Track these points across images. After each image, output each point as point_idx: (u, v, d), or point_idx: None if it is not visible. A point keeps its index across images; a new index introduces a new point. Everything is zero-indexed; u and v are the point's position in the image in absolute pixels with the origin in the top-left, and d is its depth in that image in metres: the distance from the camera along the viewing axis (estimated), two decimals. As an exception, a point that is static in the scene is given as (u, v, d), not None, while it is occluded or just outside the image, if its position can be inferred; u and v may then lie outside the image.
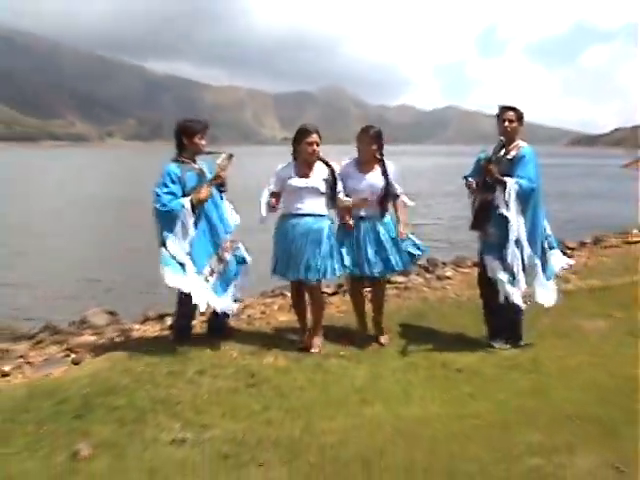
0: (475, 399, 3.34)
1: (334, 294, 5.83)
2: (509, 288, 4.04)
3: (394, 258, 4.18)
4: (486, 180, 4.05)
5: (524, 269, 4.05)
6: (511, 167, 4.02)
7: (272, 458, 2.68)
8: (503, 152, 4.08)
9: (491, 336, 4.26)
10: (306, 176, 4.07)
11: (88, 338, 4.92)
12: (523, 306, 4.11)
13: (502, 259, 4.06)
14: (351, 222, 4.17)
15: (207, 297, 4.03)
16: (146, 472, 2.58)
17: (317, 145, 4.06)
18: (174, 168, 4.03)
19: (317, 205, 4.06)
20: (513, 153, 4.06)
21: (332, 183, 4.09)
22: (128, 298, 7.73)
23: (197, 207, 4.00)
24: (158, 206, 3.93)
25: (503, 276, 4.06)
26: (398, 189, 4.26)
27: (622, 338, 4.36)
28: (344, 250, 4.17)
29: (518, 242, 4.00)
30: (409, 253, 4.28)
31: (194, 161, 4.15)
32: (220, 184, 4.21)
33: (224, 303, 4.18)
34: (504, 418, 3.05)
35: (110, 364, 3.83)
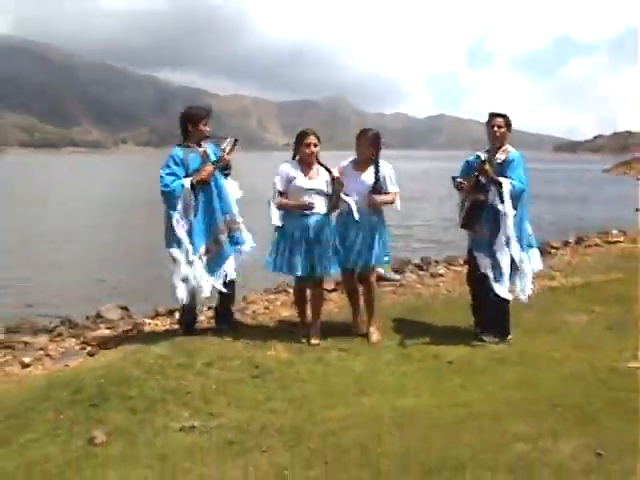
0: (466, 390, 3.34)
1: (333, 291, 5.83)
2: (498, 284, 4.05)
3: (375, 253, 4.16)
4: (478, 180, 4.04)
5: (512, 265, 4.06)
6: (500, 170, 4.02)
7: (275, 444, 2.68)
8: (492, 155, 4.09)
9: (481, 330, 4.26)
10: (310, 177, 4.08)
11: (103, 332, 4.93)
12: (511, 300, 4.12)
13: (492, 256, 4.07)
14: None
15: (207, 282, 4.04)
16: (157, 457, 2.58)
17: (315, 146, 4.06)
18: (178, 151, 4.05)
19: (320, 205, 4.07)
20: (502, 157, 4.07)
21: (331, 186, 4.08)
22: (139, 294, 7.72)
23: (198, 187, 4.00)
24: (161, 187, 3.96)
25: (493, 272, 4.07)
26: (393, 189, 4.23)
27: (602, 332, 4.38)
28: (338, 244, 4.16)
29: (508, 240, 4.01)
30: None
31: (200, 146, 4.14)
32: (224, 167, 4.20)
33: (215, 283, 4.13)
34: (493, 408, 3.05)
35: (123, 356, 3.82)
